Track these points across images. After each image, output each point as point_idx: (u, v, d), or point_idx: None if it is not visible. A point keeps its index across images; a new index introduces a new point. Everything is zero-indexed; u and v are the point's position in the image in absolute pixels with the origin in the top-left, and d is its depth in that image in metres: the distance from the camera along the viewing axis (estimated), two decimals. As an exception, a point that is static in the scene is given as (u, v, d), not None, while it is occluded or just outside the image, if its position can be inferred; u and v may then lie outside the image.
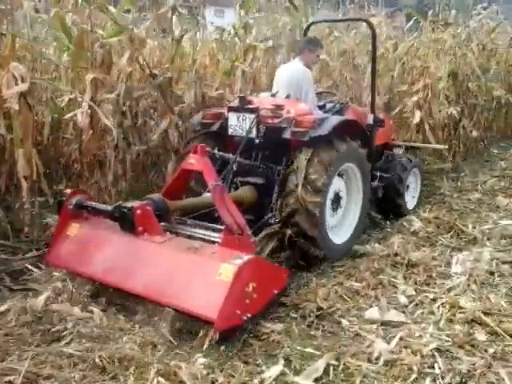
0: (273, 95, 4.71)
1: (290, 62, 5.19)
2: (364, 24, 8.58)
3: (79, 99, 4.48)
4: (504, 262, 4.26)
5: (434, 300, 3.54)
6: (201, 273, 3.06)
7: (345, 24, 8.53)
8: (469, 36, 8.91)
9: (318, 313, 3.38)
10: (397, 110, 7.14)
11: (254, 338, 3.06)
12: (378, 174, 5.18)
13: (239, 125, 4.15)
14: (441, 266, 4.19)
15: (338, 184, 4.28)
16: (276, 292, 3.29)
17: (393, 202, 5.37)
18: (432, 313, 3.39)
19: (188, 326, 3.03)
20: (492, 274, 4.02)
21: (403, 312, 3.42)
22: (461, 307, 3.37)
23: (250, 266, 3.00)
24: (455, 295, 3.58)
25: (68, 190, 3.82)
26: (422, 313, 3.40)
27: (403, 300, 3.56)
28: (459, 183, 7.11)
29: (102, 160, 4.57)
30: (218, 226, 3.59)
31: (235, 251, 3.15)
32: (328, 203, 4.15)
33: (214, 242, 3.43)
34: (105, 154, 4.59)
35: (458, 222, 5.18)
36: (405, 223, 5.21)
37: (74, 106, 4.62)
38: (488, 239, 4.85)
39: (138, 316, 3.18)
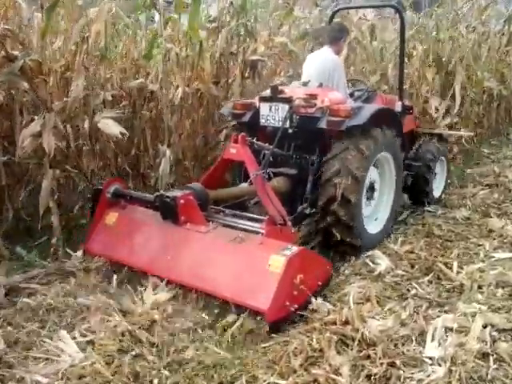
0: (304, 84, 4.51)
1: (318, 50, 4.95)
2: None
3: None
4: (502, 332, 2.95)
5: (394, 425, 2.21)
6: (249, 264, 3.08)
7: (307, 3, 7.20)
8: (456, 16, 7.55)
9: None
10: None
11: None
12: (407, 162, 4.99)
13: (271, 115, 4.10)
14: (411, 342, 2.84)
15: (372, 174, 4.22)
16: (320, 284, 3.28)
17: (420, 189, 5.26)
18: None
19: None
20: (485, 357, 2.70)
21: None
22: None
23: (299, 257, 3.02)
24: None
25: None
26: None
27: (344, 423, 2.22)
28: (443, 195, 5.80)
29: None
30: (256, 216, 3.63)
31: (281, 242, 3.18)
32: (364, 192, 4.07)
33: (255, 232, 3.38)
34: None
35: (439, 260, 3.85)
36: (368, 261, 3.89)
37: None
38: (479, 287, 3.53)
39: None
